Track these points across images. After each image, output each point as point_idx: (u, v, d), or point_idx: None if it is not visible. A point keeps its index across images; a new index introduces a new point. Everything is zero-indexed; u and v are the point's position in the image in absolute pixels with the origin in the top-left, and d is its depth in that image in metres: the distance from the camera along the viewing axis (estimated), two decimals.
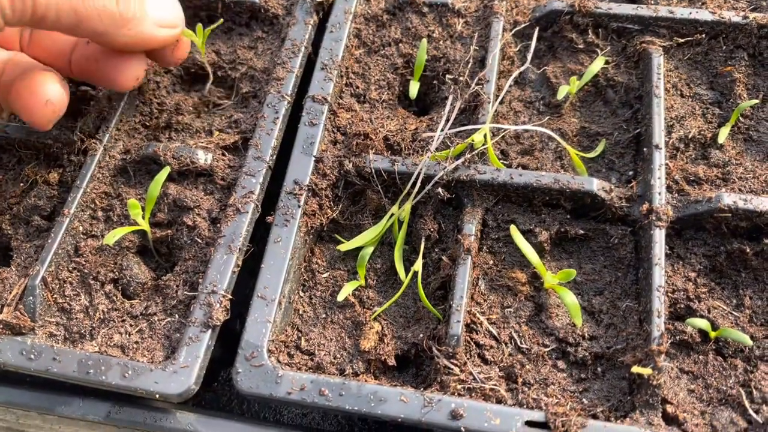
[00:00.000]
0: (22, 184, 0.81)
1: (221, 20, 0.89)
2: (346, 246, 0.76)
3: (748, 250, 0.71)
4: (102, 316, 0.72)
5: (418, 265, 0.73)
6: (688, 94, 0.83)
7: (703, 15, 0.84)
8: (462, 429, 0.61)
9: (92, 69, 0.74)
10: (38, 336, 0.70)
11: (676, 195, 0.74)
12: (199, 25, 0.82)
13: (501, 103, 0.84)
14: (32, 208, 0.79)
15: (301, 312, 0.74)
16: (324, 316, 0.73)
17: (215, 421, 0.69)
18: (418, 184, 0.75)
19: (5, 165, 0.84)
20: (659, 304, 0.67)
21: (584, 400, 0.66)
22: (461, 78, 0.80)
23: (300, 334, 0.72)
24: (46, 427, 0.77)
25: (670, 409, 0.64)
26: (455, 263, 0.71)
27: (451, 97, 0.78)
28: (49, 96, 0.69)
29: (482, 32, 0.87)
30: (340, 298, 0.72)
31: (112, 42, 0.69)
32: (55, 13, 0.60)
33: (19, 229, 0.79)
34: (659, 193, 0.73)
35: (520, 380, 0.67)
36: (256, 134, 0.79)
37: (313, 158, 0.78)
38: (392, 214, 0.76)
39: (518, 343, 0.70)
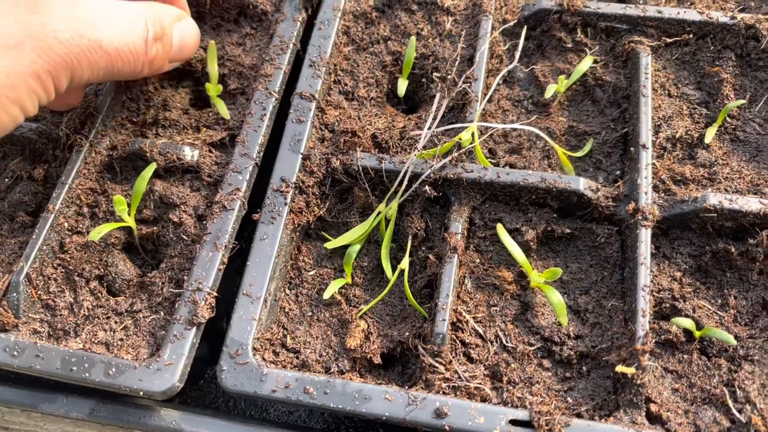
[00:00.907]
0: (6, 180, 0.81)
1: None
2: (332, 244, 0.76)
3: (733, 250, 0.72)
4: (87, 313, 0.72)
5: (404, 263, 0.73)
6: (675, 94, 0.83)
7: (691, 15, 0.84)
8: (446, 427, 0.61)
9: None
10: (22, 333, 0.69)
11: (663, 195, 0.75)
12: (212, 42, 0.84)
13: (489, 101, 0.84)
14: (17, 204, 0.79)
15: (287, 310, 0.73)
16: (310, 314, 0.73)
17: (199, 418, 0.69)
18: (405, 182, 0.74)
19: None
20: (644, 303, 0.67)
21: (569, 398, 0.66)
22: (449, 76, 0.79)
23: (286, 332, 0.71)
24: (30, 424, 0.76)
25: (653, 408, 0.64)
26: (441, 261, 0.71)
27: (438, 95, 0.78)
28: (72, 101, 0.80)
29: (471, 30, 0.87)
30: (326, 295, 0.72)
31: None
32: (97, 76, 0.68)
33: (3, 225, 0.79)
34: (645, 193, 0.73)
35: (505, 379, 0.67)
36: (243, 131, 0.79)
37: (301, 155, 0.78)
38: (379, 212, 0.76)
39: (504, 341, 0.70)
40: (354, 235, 0.76)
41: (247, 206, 0.76)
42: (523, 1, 0.90)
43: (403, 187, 0.75)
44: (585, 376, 0.68)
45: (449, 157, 0.75)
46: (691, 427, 0.64)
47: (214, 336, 0.75)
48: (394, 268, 0.75)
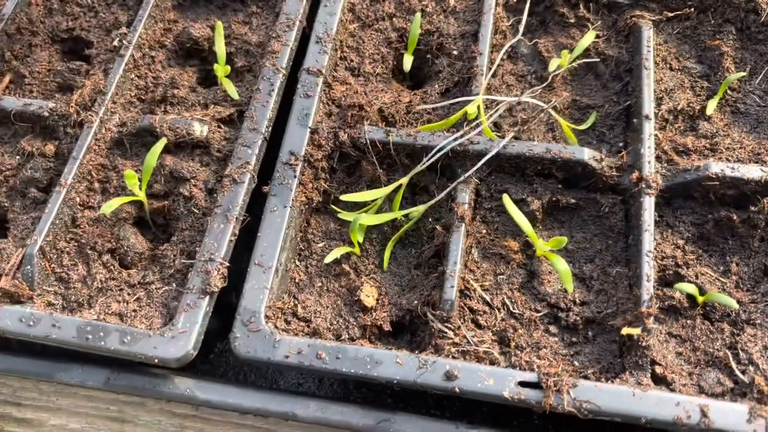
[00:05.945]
0: (18, 157, 0.82)
1: None
2: (349, 197, 0.76)
3: (735, 218, 0.73)
4: (100, 285, 0.73)
5: (399, 213, 0.73)
6: (677, 67, 0.84)
7: None
8: (456, 389, 0.63)
9: None
10: (37, 304, 0.70)
11: (666, 164, 0.76)
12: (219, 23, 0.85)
13: (494, 76, 0.85)
14: (29, 181, 0.80)
15: (297, 280, 0.75)
16: (320, 284, 0.74)
17: (213, 385, 0.70)
18: (424, 155, 0.75)
19: (1, 138, 0.84)
20: (648, 268, 0.69)
21: (575, 362, 0.68)
22: (454, 51, 0.80)
23: (297, 302, 0.73)
24: (43, 399, 0.78)
25: (658, 370, 0.66)
26: (449, 231, 0.72)
27: (444, 70, 0.79)
28: None
29: (475, 6, 0.88)
30: (328, 260, 0.73)
31: None
32: None
33: (15, 201, 0.80)
34: (649, 162, 0.74)
35: (512, 344, 0.68)
36: (252, 106, 0.80)
37: (309, 129, 0.79)
38: (400, 184, 0.76)
39: (511, 308, 0.71)
40: (371, 196, 0.76)
41: (256, 179, 0.77)
42: None
43: (423, 160, 0.75)
44: (591, 341, 0.69)
45: (464, 129, 0.76)
46: (695, 387, 0.65)
47: (222, 310, 0.76)
48: (403, 241, 0.76)
